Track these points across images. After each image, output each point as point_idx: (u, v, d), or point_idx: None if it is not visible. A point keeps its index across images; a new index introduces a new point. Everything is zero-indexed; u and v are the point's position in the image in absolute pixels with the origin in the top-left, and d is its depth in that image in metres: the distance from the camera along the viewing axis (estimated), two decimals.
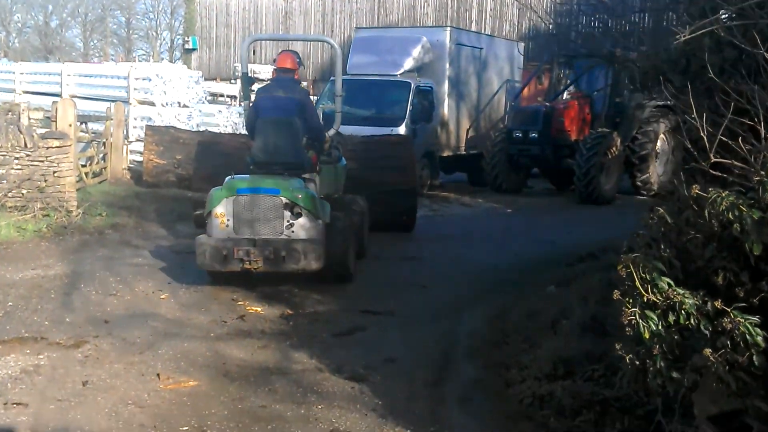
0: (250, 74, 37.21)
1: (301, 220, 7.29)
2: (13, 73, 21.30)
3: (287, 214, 7.28)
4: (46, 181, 10.61)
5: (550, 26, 22.35)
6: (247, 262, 7.18)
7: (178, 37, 65.52)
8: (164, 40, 74.45)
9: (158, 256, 9.16)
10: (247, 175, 7.62)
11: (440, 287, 8.09)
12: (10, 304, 6.87)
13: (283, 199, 7.28)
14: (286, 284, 7.94)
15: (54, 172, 10.68)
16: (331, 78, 16.37)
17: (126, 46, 74.37)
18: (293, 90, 7.98)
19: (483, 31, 25.39)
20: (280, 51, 8.42)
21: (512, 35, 29.55)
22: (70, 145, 10.87)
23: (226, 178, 7.56)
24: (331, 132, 8.52)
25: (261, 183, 7.40)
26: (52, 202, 10.57)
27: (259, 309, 6.98)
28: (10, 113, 17.91)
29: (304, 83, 35.94)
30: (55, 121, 11.38)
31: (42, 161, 10.61)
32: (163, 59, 62.38)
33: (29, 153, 10.52)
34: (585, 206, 15.33)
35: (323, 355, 5.77)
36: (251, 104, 8.27)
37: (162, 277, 8.11)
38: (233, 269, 7.28)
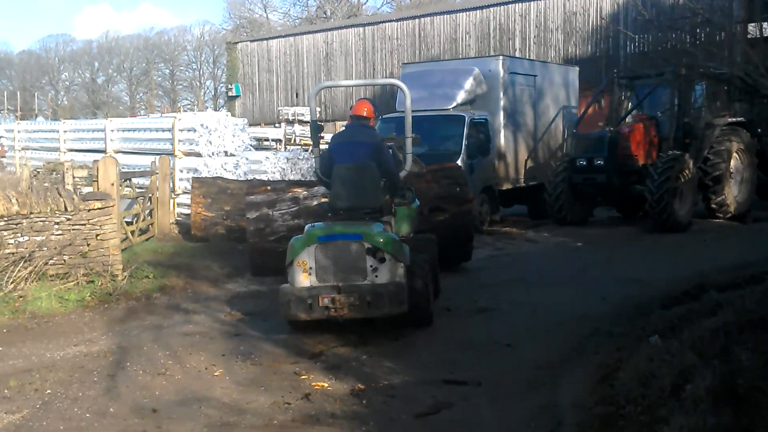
0: (293, 116, 37.11)
1: (385, 265, 7.21)
2: (57, 132, 21.05)
3: (370, 259, 7.21)
4: (88, 245, 9.96)
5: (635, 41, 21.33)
6: (333, 310, 7.13)
7: (221, 85, 66.26)
8: (208, 89, 75.47)
9: (210, 322, 8.41)
10: (328, 222, 7.61)
11: (526, 345, 7.14)
12: (48, 392, 6.12)
13: (365, 244, 7.22)
14: (354, 349, 7.09)
15: (97, 235, 10.03)
16: (381, 117, 15.66)
17: (171, 96, 75.50)
18: (369, 135, 8.01)
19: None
20: (358, 99, 8.76)
21: (557, 61, 28.68)
22: (113, 206, 10.24)
23: (306, 226, 7.63)
24: (403, 173, 8.31)
25: (342, 229, 7.38)
26: (95, 267, 9.91)
27: (325, 384, 6.11)
28: (54, 173, 17.65)
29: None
30: (97, 181, 10.78)
31: (84, 224, 9.97)
32: (207, 108, 63.01)
33: (70, 216, 9.90)
34: (660, 234, 14.25)
35: None
36: (327, 151, 8.24)
37: (215, 347, 7.32)
38: (319, 317, 7.22)
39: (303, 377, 6.33)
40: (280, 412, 5.56)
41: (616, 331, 7.46)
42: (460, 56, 31.56)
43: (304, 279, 7.27)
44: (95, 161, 11.35)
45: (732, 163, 15.95)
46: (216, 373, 6.52)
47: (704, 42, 12.19)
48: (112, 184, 10.70)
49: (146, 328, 8.20)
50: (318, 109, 36.90)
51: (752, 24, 16.22)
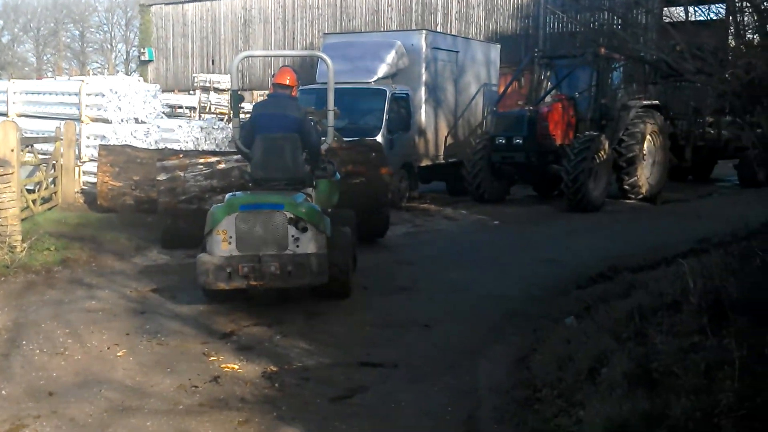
0: (209, 84, 36.09)
1: (307, 235, 7.15)
2: None
3: (292, 229, 7.14)
4: None
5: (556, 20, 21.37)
6: (253, 279, 7.02)
7: (133, 48, 64.03)
8: (119, 52, 72.80)
9: (115, 298, 7.98)
10: (250, 192, 7.54)
11: (445, 325, 7.01)
12: None
13: (287, 214, 7.15)
14: (267, 329, 6.83)
15: None
16: (301, 88, 15.26)
17: (80, 59, 72.50)
18: (292, 107, 7.94)
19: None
20: (280, 67, 8.34)
21: (479, 38, 28.74)
22: (12, 173, 9.62)
23: (227, 195, 7.54)
24: (325, 146, 8.32)
25: (264, 199, 7.31)
26: None
27: (236, 366, 5.83)
28: None
29: (266, 92, 34.80)
30: None
31: None
32: (118, 72, 60.75)
33: None
34: (574, 214, 14.42)
35: (320, 431, 4.67)
36: (248, 121, 8.12)
37: (119, 326, 6.93)
38: (238, 286, 7.10)
39: (212, 358, 6.03)
40: (186, 395, 5.27)
41: (532, 311, 7.44)
42: (382, 29, 31.27)
43: (224, 248, 7.12)
44: None
45: (645, 145, 16.25)
46: (119, 354, 6.16)
47: (625, 23, 12.30)
48: (12, 150, 10.02)
49: (45, 303, 7.73)
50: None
51: (673, 8, 16.52)
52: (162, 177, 10.84)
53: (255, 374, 5.68)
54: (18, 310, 7.45)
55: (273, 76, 8.32)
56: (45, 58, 75.22)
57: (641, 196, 16.07)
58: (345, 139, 12.00)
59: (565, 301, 7.67)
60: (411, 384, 5.49)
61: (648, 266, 8.79)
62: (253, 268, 7.00)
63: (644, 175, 16.15)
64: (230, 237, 7.13)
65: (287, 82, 8.09)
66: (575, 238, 11.87)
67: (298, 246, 7.13)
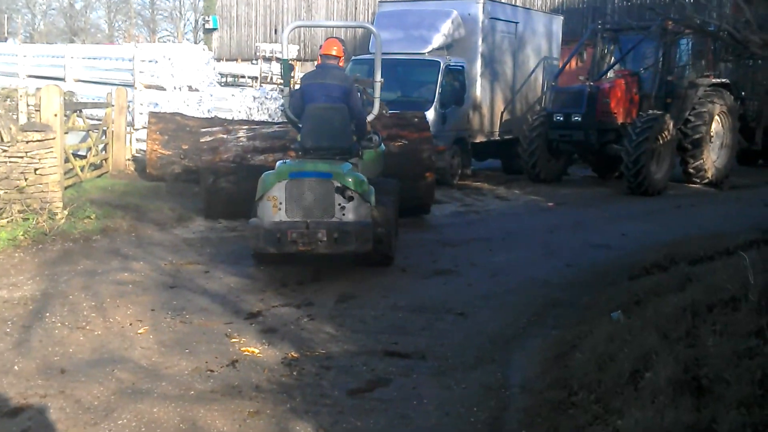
0: (271, 54, 36.06)
1: (353, 204, 7.38)
2: (16, 55, 20.03)
3: (339, 197, 7.36)
4: (26, 179, 9.31)
5: None
6: (301, 244, 7.25)
7: (202, 17, 64.36)
8: (188, 20, 73.35)
9: (148, 270, 7.83)
10: (299, 160, 7.75)
11: (481, 313, 6.63)
12: None
13: (335, 182, 7.35)
14: (296, 310, 6.56)
15: (36, 170, 9.38)
16: (353, 58, 14.92)
17: (150, 26, 73.32)
18: (339, 77, 8.03)
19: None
20: (326, 37, 8.55)
21: (542, 9, 27.82)
22: (53, 138, 9.54)
23: (278, 163, 7.78)
24: (371, 117, 8.43)
25: (314, 167, 7.48)
26: (33, 203, 9.28)
27: (256, 351, 5.57)
28: (8, 99, 16.75)
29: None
30: (39, 111, 10.04)
31: (21, 157, 9.31)
32: (186, 40, 61.25)
33: (6, 148, 9.21)
34: (634, 197, 13.79)
35: (333, 428, 4.38)
36: (298, 90, 8.23)
37: (146, 300, 6.76)
38: (287, 251, 7.35)
39: (234, 340, 5.79)
40: (200, 380, 5.03)
41: (578, 302, 7.00)
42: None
43: (273, 213, 7.36)
44: (38, 89, 10.59)
45: (713, 126, 15.42)
46: (140, 331, 5.97)
47: None
48: (55, 115, 9.96)
49: (78, 273, 7.61)
50: (296, 47, 35.79)
51: None
52: (204, 139, 10.80)
53: (275, 360, 5.41)
54: (49, 279, 7.34)
55: (320, 47, 8.45)
56: (116, 25, 76.31)
57: (706, 180, 15.28)
58: (392, 111, 11.59)
59: (614, 292, 7.19)
60: (436, 378, 5.14)
61: (707, 257, 8.23)
62: (301, 234, 7.21)
63: (710, 159, 15.35)
64: (280, 203, 7.35)
65: (334, 53, 8.22)
66: (632, 223, 11.29)
67: (344, 214, 7.35)
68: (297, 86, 8.75)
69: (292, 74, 8.66)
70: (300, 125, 8.12)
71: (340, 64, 8.33)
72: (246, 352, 5.53)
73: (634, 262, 8.35)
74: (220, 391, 4.85)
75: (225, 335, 5.89)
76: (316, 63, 9.03)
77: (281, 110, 17.62)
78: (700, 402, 4.41)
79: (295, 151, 8.14)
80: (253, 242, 7.43)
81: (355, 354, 5.53)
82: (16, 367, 5.19)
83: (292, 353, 5.52)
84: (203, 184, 10.69)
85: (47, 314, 6.30)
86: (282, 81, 9.02)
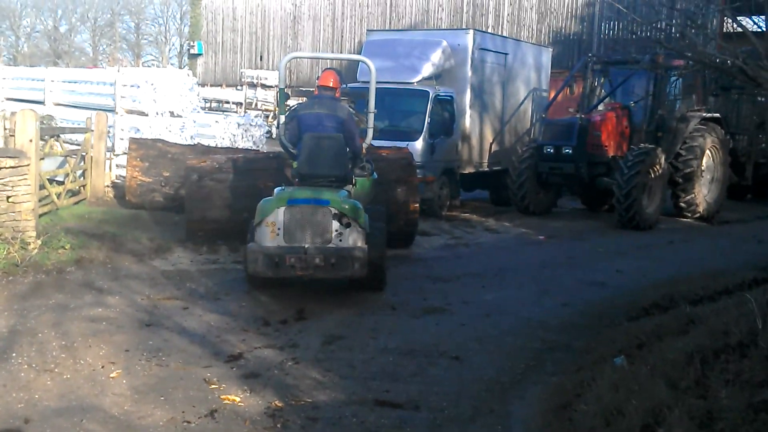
0: (257, 80, 35.92)
1: (349, 230, 7.59)
2: None
3: (336, 224, 7.58)
4: None
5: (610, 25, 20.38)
6: (299, 269, 7.46)
7: (186, 42, 64.26)
8: (173, 45, 73.19)
9: (123, 305, 7.41)
10: (297, 188, 7.96)
11: (476, 357, 6.27)
12: None
13: (332, 209, 7.58)
14: (279, 352, 6.17)
15: (8, 197, 8.97)
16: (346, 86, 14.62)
17: (135, 51, 73.07)
18: (336, 107, 8.37)
19: None
20: (324, 69, 8.92)
21: (531, 40, 27.83)
22: (27, 165, 9.14)
23: (276, 189, 7.94)
24: (364, 146, 8.66)
25: (311, 194, 7.72)
26: (5, 233, 8.86)
27: (237, 399, 5.17)
28: None
29: (313, 89, 34.57)
30: (14, 136, 9.65)
31: None
32: (171, 65, 61.08)
33: None
34: (625, 231, 13.53)
35: None
36: (294, 118, 8.49)
37: (120, 340, 6.34)
38: (285, 276, 7.58)
39: (213, 386, 5.38)
40: None
41: (576, 345, 6.67)
42: (432, 29, 30.54)
43: (271, 238, 7.55)
44: (12, 113, 10.20)
45: (704, 160, 15.24)
46: (112, 374, 5.55)
47: (694, 24, 11.34)
48: (31, 141, 9.56)
49: (49, 308, 7.18)
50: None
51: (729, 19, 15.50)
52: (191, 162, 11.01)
53: (257, 409, 5.00)
54: (18, 315, 6.92)
55: (318, 78, 8.76)
56: (101, 48, 75.98)
57: (698, 215, 15.07)
58: (381, 141, 11.31)
59: (613, 334, 6.87)
60: None
61: (708, 297, 7.95)
62: (299, 258, 7.42)
63: (702, 193, 15.15)
64: (278, 229, 7.56)
65: (331, 84, 8.56)
66: (626, 259, 11.01)
67: (341, 240, 7.56)
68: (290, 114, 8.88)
69: (287, 103, 8.95)
70: (294, 152, 8.38)
71: (337, 95, 8.61)
72: (226, 401, 5.12)
73: (632, 302, 8.07)
74: None
75: (204, 380, 5.49)
76: (313, 92, 9.27)
77: (266, 138, 17.36)
78: None
79: (292, 179, 8.34)
80: (252, 266, 7.52)
81: (343, 403, 5.14)
82: None
83: (276, 402, 5.12)
84: (186, 183, 10.77)
85: (13, 354, 5.88)
86: (278, 109, 9.26)
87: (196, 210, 10.36)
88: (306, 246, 7.49)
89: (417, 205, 10.87)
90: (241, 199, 9.97)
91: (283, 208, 7.57)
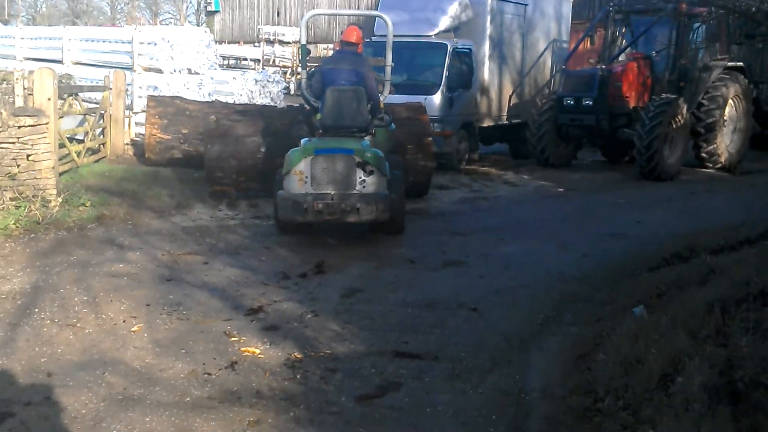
0: (274, 36, 35.76)
1: (372, 177, 8.06)
2: (14, 38, 19.61)
3: (360, 171, 8.05)
4: (18, 166, 8.93)
5: None
6: (326, 214, 7.96)
7: None
8: (191, 2, 72.65)
9: (144, 261, 7.48)
10: (323, 138, 8.41)
11: (495, 309, 6.27)
12: None
13: (356, 158, 8.05)
14: (299, 305, 6.21)
15: (28, 156, 9.00)
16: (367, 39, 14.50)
17: (153, 9, 72.62)
18: (358, 62, 8.89)
19: None
20: (348, 25, 9.83)
21: None
22: (46, 123, 9.16)
23: (302, 140, 8.40)
24: (383, 98, 9.09)
25: (337, 144, 8.20)
26: (26, 191, 8.91)
27: (257, 351, 5.22)
28: (4, 82, 16.36)
29: (330, 45, 34.39)
30: (32, 95, 9.65)
31: (13, 142, 8.92)
32: (188, 22, 60.68)
33: None
34: (647, 183, 13.41)
35: None
36: (318, 73, 9.00)
37: (141, 294, 6.40)
38: (313, 221, 8.10)
39: (233, 339, 5.43)
40: (197, 384, 4.67)
41: (596, 297, 6.65)
42: None
43: (300, 186, 8.04)
44: (31, 72, 10.19)
45: (727, 110, 14.99)
46: (134, 329, 5.61)
47: None
48: (49, 99, 9.56)
49: (71, 264, 7.26)
50: (296, 29, 35.36)
51: None
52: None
53: (277, 361, 5.05)
54: (40, 271, 6.99)
55: (341, 33, 9.23)
56: (119, 7, 75.61)
57: (720, 165, 14.89)
58: (399, 95, 11.25)
59: (634, 285, 6.85)
60: (450, 382, 4.78)
61: (729, 247, 7.87)
62: (326, 204, 7.92)
63: (724, 143, 14.94)
64: (306, 177, 8.04)
65: (354, 40, 9.04)
66: (647, 210, 10.92)
67: (364, 186, 8.04)
68: (315, 69, 9.46)
69: (307, 58, 9.48)
70: (316, 105, 8.87)
71: (359, 50, 9.12)
72: (246, 353, 5.17)
73: (653, 253, 8.02)
74: (218, 397, 4.49)
75: (224, 333, 5.53)
76: (333, 47, 10.04)
77: (284, 94, 17.27)
78: (738, 410, 4.07)
79: (317, 129, 8.67)
80: (282, 212, 8.08)
81: (362, 355, 5.17)
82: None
83: (296, 354, 5.16)
84: (204, 124, 11.21)
85: (36, 310, 5.95)
86: (300, 64, 9.70)
87: (214, 149, 10.51)
88: (332, 192, 7.97)
89: (430, 163, 10.94)
90: (257, 136, 10.55)
91: (310, 158, 8.04)
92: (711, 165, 14.94)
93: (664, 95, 14.14)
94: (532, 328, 5.85)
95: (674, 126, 13.85)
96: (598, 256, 8.12)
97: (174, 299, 6.29)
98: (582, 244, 8.65)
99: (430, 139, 11.08)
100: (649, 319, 5.79)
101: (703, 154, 14.91)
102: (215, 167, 10.49)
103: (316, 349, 5.25)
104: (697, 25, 15.07)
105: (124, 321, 5.77)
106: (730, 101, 15.07)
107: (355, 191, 8.03)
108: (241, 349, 5.25)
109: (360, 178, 8.05)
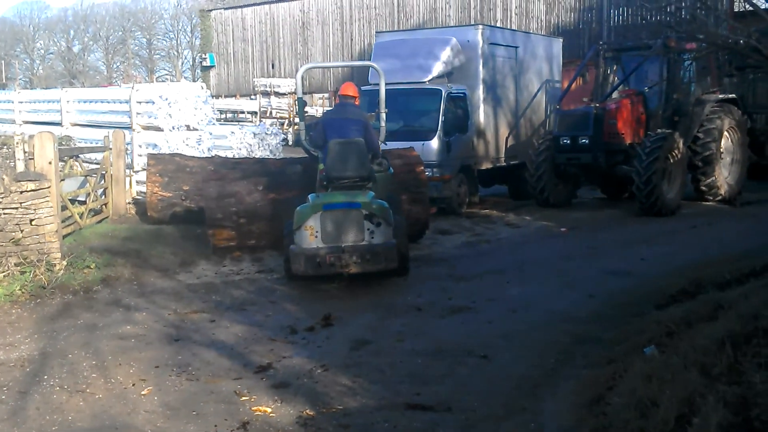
0: (269, 88, 36.17)
1: (380, 228, 8.47)
2: (13, 102, 19.83)
3: (368, 224, 8.46)
4: (21, 231, 8.98)
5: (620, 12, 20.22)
6: (339, 266, 8.33)
7: (199, 54, 64.67)
8: (186, 58, 73.64)
9: (151, 321, 7.47)
10: (330, 193, 8.79)
11: (505, 355, 6.25)
12: None
13: (363, 211, 8.46)
14: (308, 360, 6.19)
15: (31, 220, 9.04)
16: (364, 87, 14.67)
17: (149, 66, 73.54)
18: (357, 114, 9.30)
19: None
20: (344, 81, 10.45)
21: (540, 33, 27.72)
22: (48, 187, 9.22)
23: (310, 196, 8.81)
24: (382, 146, 9.57)
25: (344, 198, 8.59)
26: (30, 255, 8.93)
27: (268, 409, 5.19)
28: (5, 147, 16.50)
29: (326, 95, 34.90)
30: (33, 159, 9.73)
31: (16, 208, 8.98)
32: (184, 78, 61.43)
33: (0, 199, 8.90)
34: (647, 218, 13.43)
35: None
36: (319, 125, 9.40)
37: (150, 356, 6.39)
38: (325, 273, 8.41)
39: (243, 398, 5.41)
40: None
41: (605, 337, 6.63)
42: (440, 27, 30.54)
43: (311, 241, 8.43)
44: (31, 136, 10.29)
45: (723, 142, 15.10)
46: (143, 392, 5.59)
47: (704, 6, 11.20)
48: (50, 163, 9.65)
49: (78, 328, 7.25)
50: (291, 80, 35.84)
51: None
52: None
53: (289, 419, 5.02)
54: (48, 336, 6.99)
55: (338, 89, 9.80)
56: (115, 66, 76.62)
57: (720, 197, 14.94)
58: (397, 143, 11.38)
59: (642, 324, 6.81)
60: None
61: (735, 280, 7.86)
62: (338, 257, 8.29)
63: (722, 175, 15.02)
64: (317, 232, 8.44)
65: (351, 93, 9.57)
66: (649, 246, 10.94)
67: (372, 237, 8.44)
68: (316, 121, 10.02)
69: (305, 110, 10.18)
70: (316, 155, 9.36)
71: (356, 102, 9.57)
72: (257, 412, 5.14)
73: (659, 290, 8.01)
74: None
75: (234, 393, 5.51)
76: (334, 102, 10.26)
77: (282, 146, 17.40)
78: None
79: (320, 182, 9.05)
80: (296, 266, 8.42)
81: (374, 409, 5.14)
82: None
83: (307, 411, 5.13)
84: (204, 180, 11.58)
85: (45, 377, 5.94)
86: (297, 116, 10.36)
87: (213, 190, 10.99)
88: (343, 245, 8.34)
89: (426, 210, 11.09)
90: (254, 176, 11.04)
91: (319, 213, 8.44)
92: (711, 197, 14.99)
93: (659, 130, 14.27)
94: (544, 373, 5.83)
95: (671, 160, 13.93)
96: (604, 295, 8.12)
97: (182, 359, 6.27)
98: (587, 283, 8.65)
99: (424, 190, 11.18)
100: (660, 359, 5.76)
101: (703, 187, 14.97)
102: (215, 208, 10.60)
103: (328, 405, 5.23)
104: (687, 60, 15.25)
105: (133, 384, 5.75)
106: (726, 133, 15.19)
107: (364, 242, 8.40)
108: (253, 408, 5.22)
109: (368, 229, 8.43)
